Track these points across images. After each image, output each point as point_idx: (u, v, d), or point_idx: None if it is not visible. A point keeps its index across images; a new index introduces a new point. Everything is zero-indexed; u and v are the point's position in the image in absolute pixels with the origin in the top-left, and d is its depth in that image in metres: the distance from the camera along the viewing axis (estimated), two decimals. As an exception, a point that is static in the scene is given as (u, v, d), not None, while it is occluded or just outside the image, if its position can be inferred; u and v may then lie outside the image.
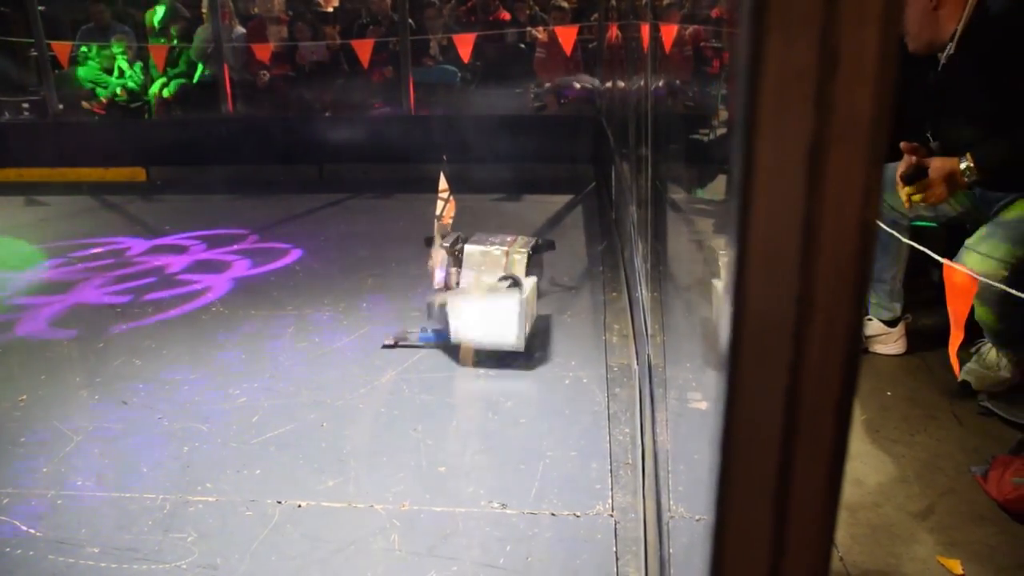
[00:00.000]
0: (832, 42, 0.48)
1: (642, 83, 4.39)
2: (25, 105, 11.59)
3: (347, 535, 2.97)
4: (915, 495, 2.98)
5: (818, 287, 0.52)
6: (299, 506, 3.16)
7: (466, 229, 6.94)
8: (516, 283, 4.39)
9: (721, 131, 7.51)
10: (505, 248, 4.61)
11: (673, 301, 3.19)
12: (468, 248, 4.63)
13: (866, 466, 3.15)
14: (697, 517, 2.27)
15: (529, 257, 4.57)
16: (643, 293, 3.57)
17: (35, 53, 10.42)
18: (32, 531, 3.06)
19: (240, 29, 10.81)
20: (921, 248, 3.10)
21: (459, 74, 10.81)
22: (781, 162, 0.49)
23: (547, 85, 10.42)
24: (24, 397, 4.17)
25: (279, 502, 3.18)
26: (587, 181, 8.78)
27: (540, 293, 4.94)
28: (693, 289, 3.97)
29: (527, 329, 4.37)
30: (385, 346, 4.62)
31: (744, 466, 0.55)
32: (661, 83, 3.68)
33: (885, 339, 4.04)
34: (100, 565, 2.85)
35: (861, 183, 0.51)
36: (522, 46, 10.89)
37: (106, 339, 4.89)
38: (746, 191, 0.50)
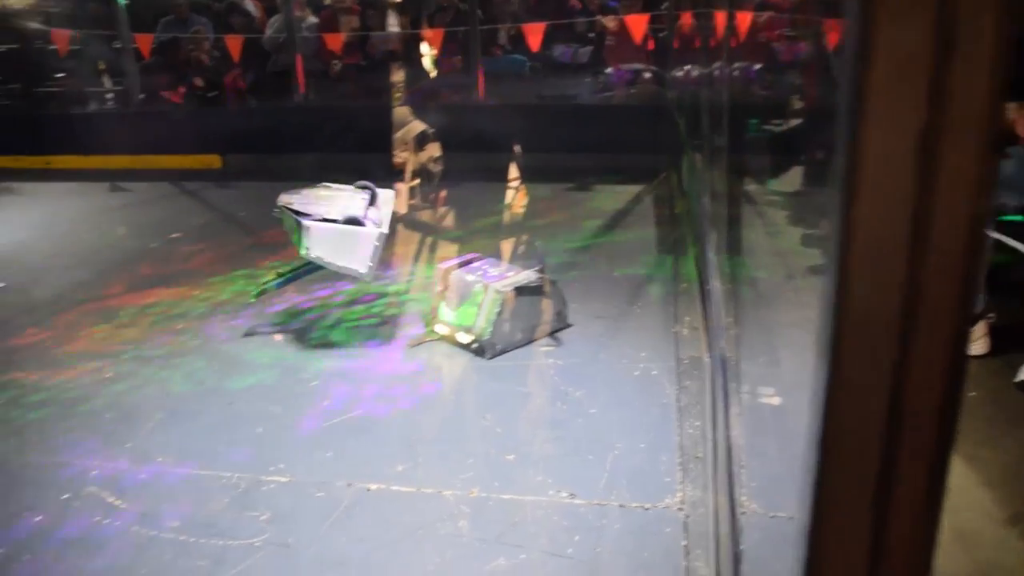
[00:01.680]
0: (947, 26, 0.46)
1: (716, 72, 4.31)
2: (109, 95, 11.96)
3: (415, 520, 3.01)
4: (1001, 500, 2.88)
5: (926, 283, 0.50)
6: (369, 489, 3.20)
7: (536, 218, 6.94)
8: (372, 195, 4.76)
9: (795, 121, 7.33)
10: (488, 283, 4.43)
11: (748, 293, 3.13)
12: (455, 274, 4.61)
13: (946, 466, 3.05)
14: (772, 514, 2.24)
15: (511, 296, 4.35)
16: (716, 285, 3.51)
17: (119, 45, 10.73)
18: (118, 503, 3.18)
19: (312, 19, 10.96)
20: (1009, 241, 2.98)
21: (528, 63, 10.78)
22: (890, 151, 0.47)
23: (615, 74, 10.31)
24: (111, 374, 4.32)
25: (349, 485, 3.23)
26: (657, 171, 8.67)
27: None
28: (769, 282, 3.89)
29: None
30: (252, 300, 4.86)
31: (843, 467, 0.54)
32: (736, 72, 3.60)
33: (967, 337, 3.90)
34: (179, 539, 2.95)
35: (975, 174, 0.48)
36: (592, 35, 10.80)
37: (184, 321, 5.03)
38: (852, 181, 0.48)
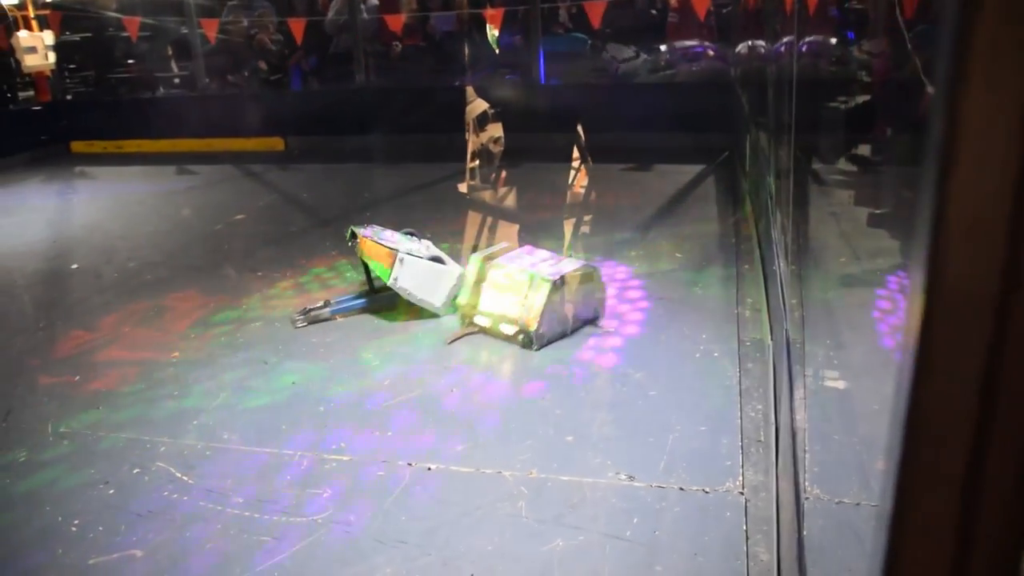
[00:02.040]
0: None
1: (782, 48, 4.20)
2: (176, 80, 12.22)
3: (475, 500, 3.02)
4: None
5: (1026, 259, 0.46)
6: (428, 469, 3.23)
7: (596, 199, 6.89)
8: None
9: (863, 97, 7.12)
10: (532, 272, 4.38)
11: (814, 275, 3.05)
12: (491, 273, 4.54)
13: None
14: (837, 500, 2.19)
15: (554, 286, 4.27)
16: (781, 266, 3.44)
17: (185, 30, 10.94)
18: (185, 478, 3.26)
19: (374, 1, 11.02)
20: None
21: (589, 42, 10.68)
22: (992, 118, 0.44)
23: (678, 51, 10.16)
24: (177, 354, 4.43)
25: (409, 464, 3.26)
26: (719, 150, 8.52)
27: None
28: (834, 263, 3.80)
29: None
30: (297, 324, 4.71)
31: (930, 454, 0.51)
32: (804, 47, 3.50)
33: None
34: (244, 514, 3.01)
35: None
36: (654, 12, 10.65)
37: (248, 302, 5.13)
38: (949, 150, 0.45)
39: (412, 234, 5.12)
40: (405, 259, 4.61)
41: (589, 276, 4.45)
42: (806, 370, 2.65)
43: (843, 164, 6.31)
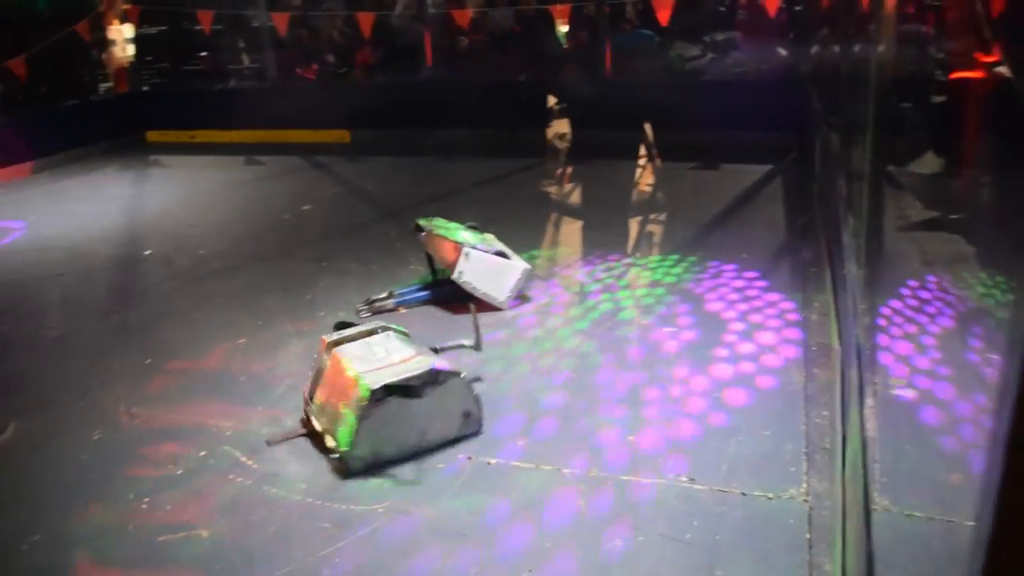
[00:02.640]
0: None
1: (856, 47, 4.11)
2: (247, 72, 12.47)
3: (534, 496, 3.02)
4: None
5: None
6: (489, 463, 3.24)
7: (660, 198, 6.83)
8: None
9: (939, 98, 6.92)
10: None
11: (887, 281, 2.98)
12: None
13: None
14: (907, 513, 2.13)
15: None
16: (852, 271, 3.36)
17: (256, 24, 11.14)
18: (250, 463, 3.33)
19: (441, -5, 11.09)
20: None
21: (656, 38, 10.57)
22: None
23: (747, 49, 10.00)
24: (243, 340, 4.52)
25: (470, 458, 3.28)
26: (788, 150, 8.36)
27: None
28: (905, 269, 3.70)
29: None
30: (361, 314, 4.72)
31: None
32: (881, 47, 3.42)
33: None
34: (306, 500, 3.06)
35: None
36: (723, 8, 10.50)
37: (313, 291, 5.21)
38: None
39: (475, 228, 5.15)
40: (471, 254, 4.63)
41: (446, 381, 3.34)
42: (876, 378, 2.59)
43: (918, 166, 6.15)
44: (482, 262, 4.68)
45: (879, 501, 2.19)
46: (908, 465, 2.51)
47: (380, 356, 3.46)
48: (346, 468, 3.18)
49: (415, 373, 3.28)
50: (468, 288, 4.66)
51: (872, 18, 3.64)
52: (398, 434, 3.25)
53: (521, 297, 4.84)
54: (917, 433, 2.70)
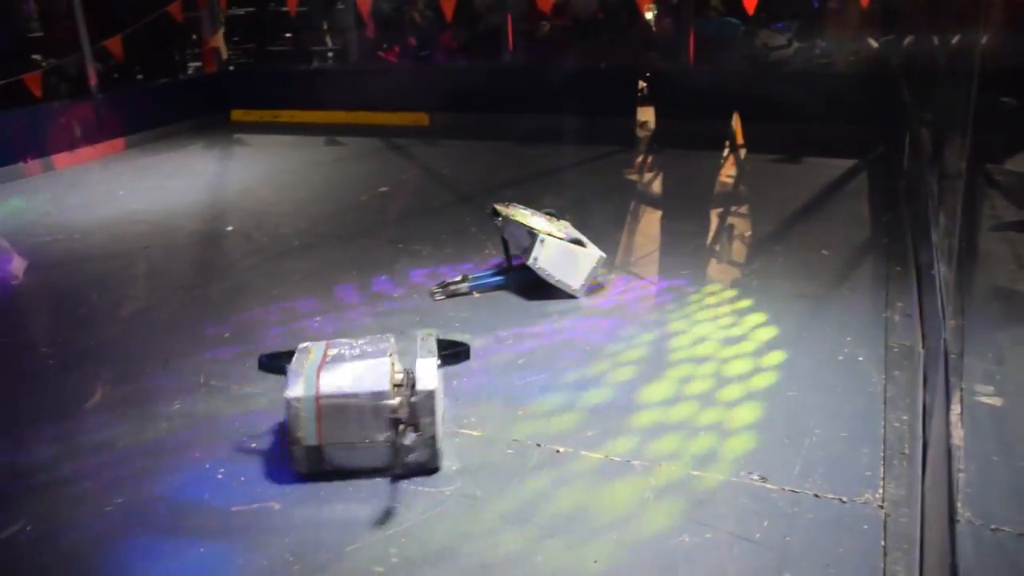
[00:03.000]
0: None
1: (958, 37, 3.94)
2: (330, 54, 12.66)
3: (602, 486, 3.00)
4: None
5: None
6: (557, 451, 3.23)
7: (741, 190, 6.70)
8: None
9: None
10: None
11: (980, 283, 2.86)
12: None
13: None
14: (992, 526, 2.04)
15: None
16: (940, 271, 3.24)
17: (341, 6, 11.29)
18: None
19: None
20: None
21: (742, 27, 10.36)
22: None
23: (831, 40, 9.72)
24: (319, 318, 4.60)
25: (539, 445, 3.28)
26: (875, 144, 8.10)
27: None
28: (1000, 272, 3.54)
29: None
30: (436, 297, 4.78)
31: None
32: (985, 38, 3.27)
33: None
34: (375, 480, 3.10)
35: None
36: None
37: (389, 273, 5.26)
38: None
39: (551, 214, 5.12)
40: (546, 241, 4.61)
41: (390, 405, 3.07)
42: (964, 384, 2.49)
43: (1013, 164, 5.88)
44: (557, 249, 4.65)
45: (963, 513, 2.10)
46: (997, 476, 2.40)
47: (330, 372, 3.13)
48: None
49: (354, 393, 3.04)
50: (543, 275, 4.64)
51: (978, 6, 3.48)
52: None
53: (595, 285, 4.81)
54: (1006, 444, 2.58)
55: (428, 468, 3.10)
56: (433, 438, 3.06)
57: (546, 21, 10.61)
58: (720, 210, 6.65)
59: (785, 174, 7.62)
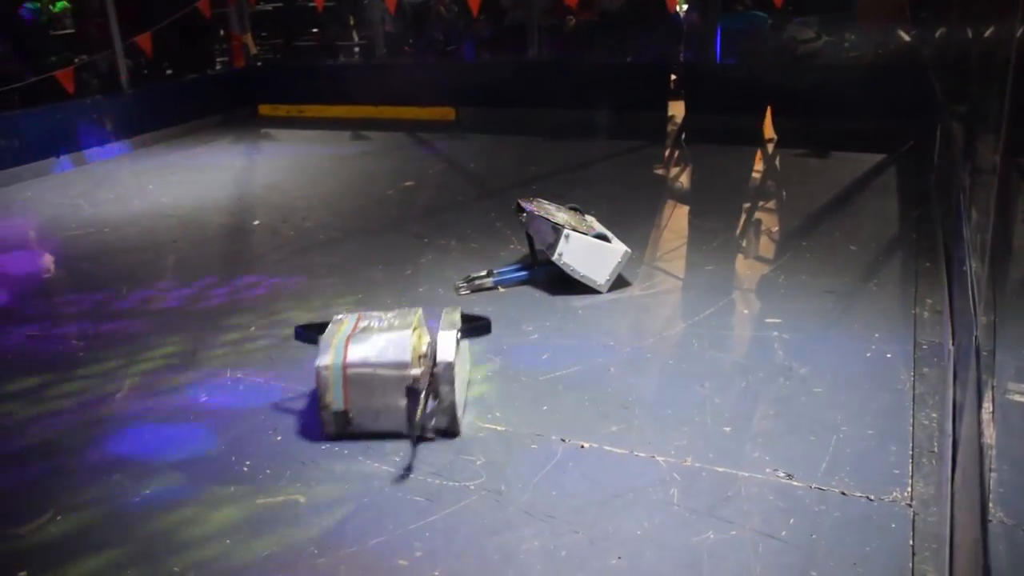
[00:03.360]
0: None
1: (993, 29, 3.87)
2: (356, 48, 12.71)
3: (626, 482, 2.99)
4: None
5: None
6: (582, 447, 3.22)
7: (771, 185, 6.64)
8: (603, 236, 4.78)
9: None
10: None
11: (1013, 279, 2.80)
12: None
13: None
14: (1025, 527, 2.01)
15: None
16: (972, 267, 3.19)
17: (367, 1, 11.33)
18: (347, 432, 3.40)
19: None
20: None
21: (769, 20, 10.27)
22: None
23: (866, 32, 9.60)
24: (340, 314, 4.61)
25: (563, 440, 3.27)
26: (905, 138, 8.00)
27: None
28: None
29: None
30: (460, 291, 4.79)
31: None
32: (1022, 29, 3.21)
33: None
34: (400, 473, 3.11)
35: None
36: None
37: (414, 266, 5.28)
38: None
39: (576, 209, 5.11)
40: (571, 236, 4.60)
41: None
42: (996, 381, 2.45)
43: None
44: (582, 244, 4.64)
45: (995, 513, 2.07)
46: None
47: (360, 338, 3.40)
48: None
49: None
50: (568, 270, 4.63)
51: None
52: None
53: (620, 281, 4.79)
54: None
55: (449, 432, 3.33)
56: (452, 405, 3.28)
57: (572, 16, 10.58)
58: (748, 205, 6.60)
59: (813, 169, 7.55)
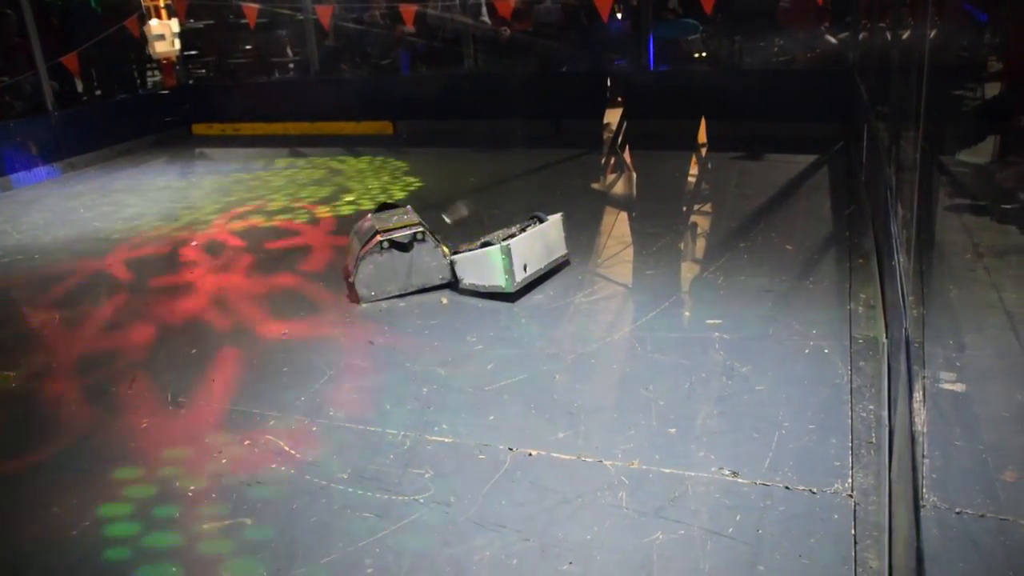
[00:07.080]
0: None
1: (908, 33, 4.01)
2: (291, 65, 12.59)
3: (575, 488, 3.01)
4: None
5: None
6: (529, 454, 3.23)
7: (703, 188, 6.75)
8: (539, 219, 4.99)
9: (993, 86, 6.73)
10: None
11: (939, 271, 2.90)
12: None
13: None
14: (957, 510, 2.08)
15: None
16: (900, 261, 3.29)
17: (301, 17, 11.23)
18: (292, 451, 3.36)
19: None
20: None
21: (700, 27, 10.46)
22: None
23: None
24: (287, 331, 4.57)
25: (511, 449, 3.28)
26: (834, 140, 8.22)
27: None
28: (957, 261, 3.60)
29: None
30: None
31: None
32: (933, 33, 3.33)
33: None
34: (348, 490, 3.08)
35: None
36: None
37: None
38: None
39: (536, 216, 5.13)
40: (457, 260, 4.72)
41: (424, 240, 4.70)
42: (927, 371, 2.53)
43: (970, 156, 6.00)
44: (468, 261, 4.75)
45: (928, 498, 2.13)
46: (959, 461, 2.45)
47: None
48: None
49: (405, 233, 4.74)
50: (474, 289, 4.75)
51: (923, 3, 3.54)
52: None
53: (534, 282, 4.88)
54: (968, 428, 2.63)
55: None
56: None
57: (507, 27, 10.64)
58: (686, 208, 6.70)
59: (747, 171, 7.70)
